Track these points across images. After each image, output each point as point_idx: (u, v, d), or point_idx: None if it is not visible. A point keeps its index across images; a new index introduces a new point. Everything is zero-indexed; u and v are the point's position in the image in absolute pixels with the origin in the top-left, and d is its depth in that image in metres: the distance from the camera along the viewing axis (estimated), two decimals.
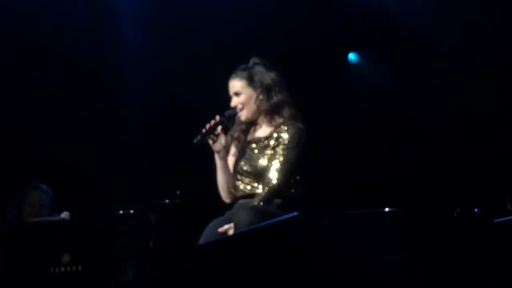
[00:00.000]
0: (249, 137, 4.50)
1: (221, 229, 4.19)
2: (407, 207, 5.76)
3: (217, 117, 4.44)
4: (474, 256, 5.47)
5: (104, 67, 7.38)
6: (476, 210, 5.57)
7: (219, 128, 4.42)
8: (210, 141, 4.40)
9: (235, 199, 4.46)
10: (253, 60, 4.52)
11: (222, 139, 4.44)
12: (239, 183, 4.44)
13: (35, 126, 7.21)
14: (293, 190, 4.36)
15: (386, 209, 5.46)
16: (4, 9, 6.91)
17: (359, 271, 3.34)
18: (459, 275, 5.50)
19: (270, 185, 4.26)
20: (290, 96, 4.50)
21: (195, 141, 4.40)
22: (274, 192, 4.26)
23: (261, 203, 4.21)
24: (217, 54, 7.24)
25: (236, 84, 4.49)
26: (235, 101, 4.49)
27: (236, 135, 4.56)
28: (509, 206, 5.57)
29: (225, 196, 4.50)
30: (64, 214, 5.61)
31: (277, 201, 4.28)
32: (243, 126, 4.54)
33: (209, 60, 7.28)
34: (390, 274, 3.53)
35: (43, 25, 6.99)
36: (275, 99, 4.43)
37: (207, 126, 4.42)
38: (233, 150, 4.57)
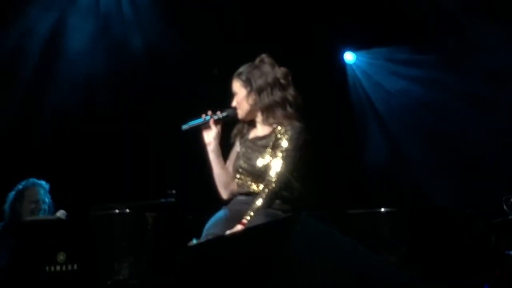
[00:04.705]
0: (250, 136, 4.53)
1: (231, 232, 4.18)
2: (403, 207, 5.76)
3: (217, 112, 4.47)
4: (469, 256, 5.48)
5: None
6: (472, 211, 5.57)
7: (212, 120, 4.46)
8: (204, 131, 4.44)
9: (233, 196, 4.46)
10: (260, 58, 4.55)
11: (212, 132, 4.48)
12: (238, 180, 4.45)
13: (29, 125, 7.22)
14: (292, 191, 4.36)
15: (383, 209, 5.46)
16: None
17: (355, 270, 3.33)
18: (454, 275, 5.51)
19: (271, 187, 4.28)
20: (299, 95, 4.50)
21: (183, 127, 4.46)
22: (274, 194, 4.29)
23: (262, 206, 4.22)
24: (214, 54, 7.25)
25: (234, 84, 4.57)
26: (233, 101, 4.53)
27: (237, 131, 4.58)
28: (505, 207, 5.58)
29: (222, 192, 4.50)
30: (60, 213, 5.62)
31: (278, 202, 4.28)
32: (246, 124, 4.56)
33: (208, 60, 7.29)
34: (386, 273, 3.53)
35: None
36: (266, 100, 4.46)
37: (203, 116, 4.46)
38: (237, 147, 4.58)
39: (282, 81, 4.46)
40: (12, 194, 5.96)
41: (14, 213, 5.88)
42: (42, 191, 5.96)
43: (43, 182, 6.02)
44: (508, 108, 7.15)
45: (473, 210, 5.51)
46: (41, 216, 5.84)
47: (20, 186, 5.97)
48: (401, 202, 6.24)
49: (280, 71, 4.49)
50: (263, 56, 4.55)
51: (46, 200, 5.95)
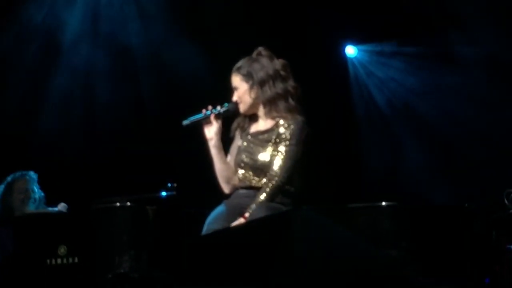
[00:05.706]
0: (251, 130, 4.51)
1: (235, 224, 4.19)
2: (404, 202, 5.77)
3: (217, 107, 4.46)
4: (470, 251, 5.48)
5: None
6: (472, 205, 5.58)
7: (212, 116, 4.45)
8: (204, 126, 4.43)
9: (234, 189, 4.45)
10: (257, 51, 4.53)
11: (214, 127, 4.46)
12: (239, 175, 4.44)
13: (29, 119, 7.24)
14: (294, 185, 4.36)
15: (383, 203, 5.47)
16: None
17: (355, 264, 3.34)
18: (455, 270, 5.51)
19: (273, 182, 4.28)
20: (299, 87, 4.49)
21: (184, 122, 4.45)
22: (278, 189, 4.28)
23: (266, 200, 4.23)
24: (214, 48, 7.24)
25: (234, 79, 4.54)
26: (234, 95, 4.51)
27: (237, 125, 4.57)
28: (506, 201, 5.58)
29: (224, 187, 4.49)
30: (61, 206, 5.64)
31: (280, 196, 4.28)
32: (246, 118, 4.55)
33: (209, 55, 7.29)
34: (386, 268, 3.53)
35: None
36: (269, 92, 4.44)
37: (203, 111, 4.45)
38: (237, 141, 4.57)
39: (282, 72, 4.45)
40: (1, 188, 6.00)
41: (5, 206, 5.93)
42: (30, 181, 6.01)
43: (31, 173, 6.07)
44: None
45: (473, 205, 5.52)
46: (32, 208, 5.89)
47: (8, 179, 6.01)
48: (401, 199, 6.24)
49: (279, 63, 4.48)
50: (260, 49, 4.53)
51: (35, 189, 6.00)
